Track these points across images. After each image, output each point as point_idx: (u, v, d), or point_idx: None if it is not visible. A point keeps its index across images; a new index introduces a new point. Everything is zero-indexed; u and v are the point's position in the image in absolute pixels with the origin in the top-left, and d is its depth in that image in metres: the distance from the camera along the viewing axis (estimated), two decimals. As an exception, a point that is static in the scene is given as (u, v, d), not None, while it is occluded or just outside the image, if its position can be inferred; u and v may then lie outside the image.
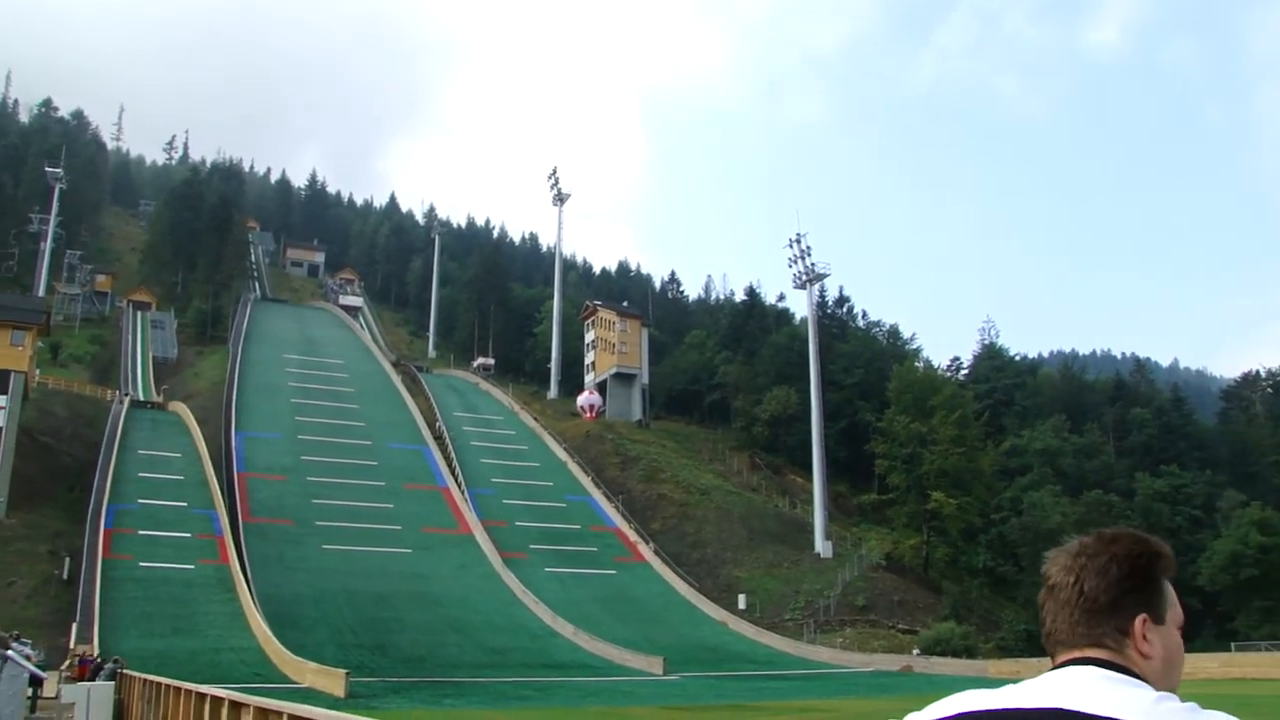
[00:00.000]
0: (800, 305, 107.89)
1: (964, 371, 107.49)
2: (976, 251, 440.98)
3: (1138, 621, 1.87)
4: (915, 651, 55.22)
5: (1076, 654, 1.87)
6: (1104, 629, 1.87)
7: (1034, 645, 58.09)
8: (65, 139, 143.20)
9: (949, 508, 71.89)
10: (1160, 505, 79.97)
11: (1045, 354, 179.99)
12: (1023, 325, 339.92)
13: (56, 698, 28.76)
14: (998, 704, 1.78)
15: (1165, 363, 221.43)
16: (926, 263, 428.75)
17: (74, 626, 46.90)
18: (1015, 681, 1.86)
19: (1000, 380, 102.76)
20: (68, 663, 40.87)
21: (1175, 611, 1.93)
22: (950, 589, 71.10)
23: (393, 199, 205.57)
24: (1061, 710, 1.70)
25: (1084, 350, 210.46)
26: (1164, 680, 1.84)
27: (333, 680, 35.91)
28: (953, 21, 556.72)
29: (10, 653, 20.27)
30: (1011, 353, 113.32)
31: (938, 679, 45.53)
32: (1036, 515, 72.93)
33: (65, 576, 55.28)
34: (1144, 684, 1.78)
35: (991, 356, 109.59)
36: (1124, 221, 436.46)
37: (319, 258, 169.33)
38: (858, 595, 65.78)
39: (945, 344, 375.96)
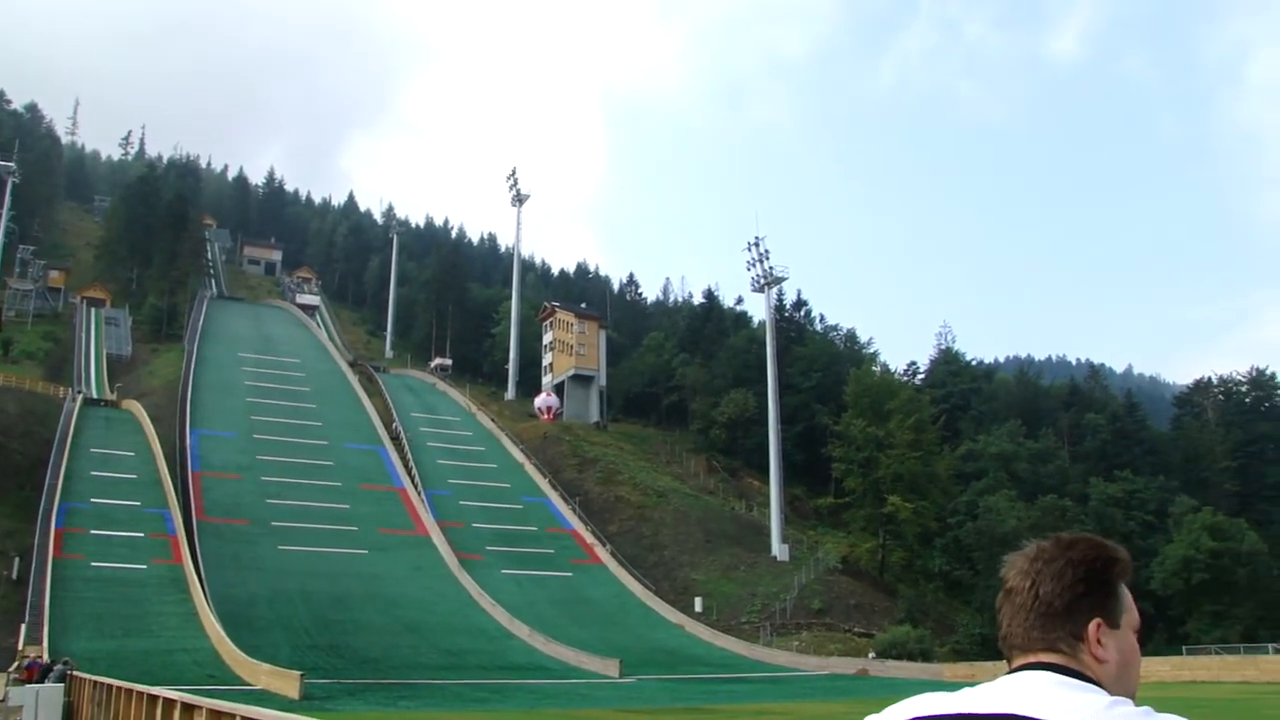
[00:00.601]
0: (759, 308, 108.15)
1: (921, 376, 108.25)
2: (934, 257, 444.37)
3: (1092, 626, 1.85)
4: (871, 655, 55.46)
5: (1031, 658, 1.86)
6: (1059, 633, 1.86)
7: (989, 649, 58.52)
8: (18, 132, 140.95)
9: (905, 512, 72.32)
10: (1114, 510, 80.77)
11: (1001, 359, 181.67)
12: (979, 331, 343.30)
13: (4, 700, 28.28)
14: (952, 708, 1.77)
15: (1120, 369, 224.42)
16: (885, 267, 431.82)
17: (23, 627, 46.23)
18: (971, 685, 1.85)
19: (957, 385, 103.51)
20: (16, 664, 40.20)
21: (1131, 615, 1.93)
22: (906, 593, 71.45)
23: (351, 198, 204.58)
24: (1014, 716, 1.69)
25: (1040, 356, 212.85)
26: (1119, 685, 1.83)
27: (287, 682, 35.57)
28: (914, 28, 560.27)
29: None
30: (968, 358, 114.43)
31: (893, 682, 45.73)
32: (992, 519, 73.43)
33: (15, 576, 54.45)
34: (1098, 689, 1.77)
35: (948, 361, 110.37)
36: (1081, 229, 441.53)
37: (276, 256, 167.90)
38: (814, 598, 65.95)
39: (903, 349, 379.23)
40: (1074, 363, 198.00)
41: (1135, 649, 1.91)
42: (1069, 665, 1.82)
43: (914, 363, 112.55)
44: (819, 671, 52.41)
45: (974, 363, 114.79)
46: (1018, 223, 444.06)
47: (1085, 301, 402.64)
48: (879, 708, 1.89)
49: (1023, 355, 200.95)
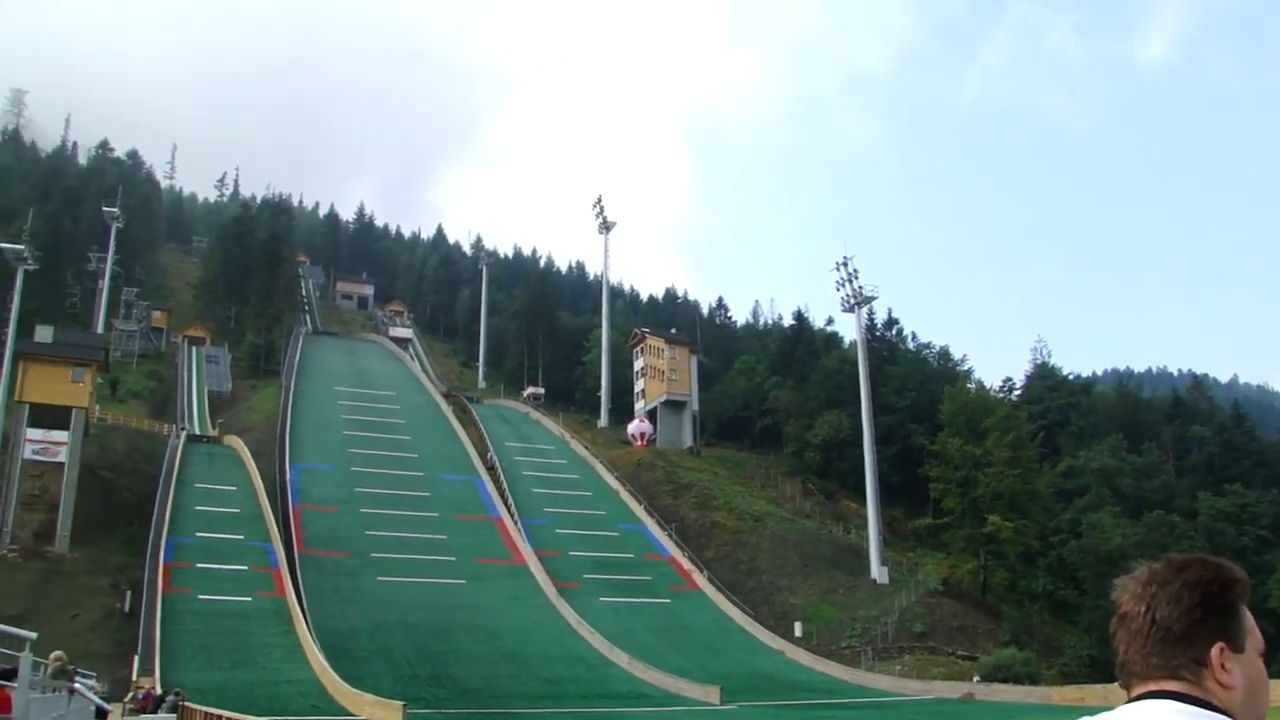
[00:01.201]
0: (849, 328, 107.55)
1: (1017, 392, 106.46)
2: (1026, 270, 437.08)
3: (1215, 651, 1.79)
4: (976, 678, 54.41)
5: (1152, 686, 1.80)
6: (1180, 660, 1.80)
7: (1099, 671, 57.09)
8: (121, 179, 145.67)
9: (1006, 531, 70.97)
10: (1225, 525, 78.41)
11: (1099, 372, 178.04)
12: (1075, 344, 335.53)
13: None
14: None
15: (1224, 379, 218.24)
16: (975, 283, 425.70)
17: (135, 659, 47.37)
18: (1085, 710, 1.83)
19: (1054, 400, 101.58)
20: (130, 695, 41.26)
21: (1255, 638, 1.86)
22: (1010, 614, 70.02)
23: (440, 231, 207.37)
24: None
25: (1139, 368, 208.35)
26: (1247, 712, 1.76)
27: (390, 712, 35.91)
28: (995, 38, 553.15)
29: (77, 684, 20.40)
30: (1065, 372, 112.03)
31: (1000, 706, 44.86)
32: (1096, 537, 71.73)
33: (127, 609, 55.94)
34: (1225, 717, 1.71)
35: (1044, 376, 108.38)
36: (1178, 236, 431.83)
37: (368, 290, 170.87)
38: (915, 621, 64.98)
39: (997, 365, 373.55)
40: (1175, 374, 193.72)
41: (1262, 673, 1.84)
42: (1193, 693, 1.76)
43: (1009, 379, 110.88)
44: (923, 696, 51.56)
45: (1071, 377, 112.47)
46: (1110, 232, 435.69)
47: (1185, 311, 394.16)
48: None
49: (1121, 368, 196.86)
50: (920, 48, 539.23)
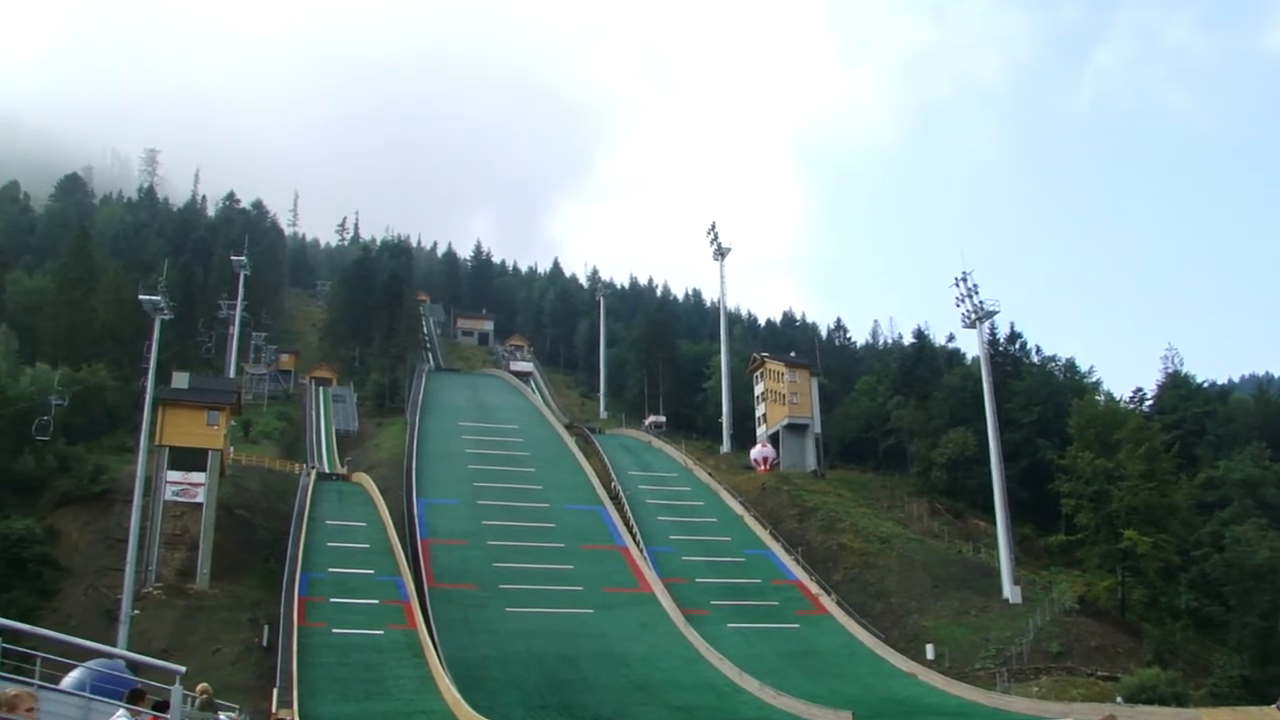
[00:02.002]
0: (971, 345, 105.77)
1: (1148, 402, 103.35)
2: (1152, 277, 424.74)
3: None
4: (1119, 699, 52.79)
5: None
6: None
7: (1252, 692, 55.05)
8: (247, 228, 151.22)
9: (1143, 546, 68.79)
10: (1377, 535, 75.03)
11: (1236, 379, 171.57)
12: (1209, 351, 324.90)
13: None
14: None
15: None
16: (1100, 293, 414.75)
17: (274, 691, 48.67)
18: None
19: (1189, 409, 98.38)
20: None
21: None
22: (1151, 632, 67.86)
23: (556, 264, 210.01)
24: None
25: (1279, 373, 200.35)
26: None
27: (524, 743, 36.32)
28: (1111, 39, 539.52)
29: (222, 716, 21.16)
30: (1199, 380, 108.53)
31: (1144, 727, 43.54)
32: (1242, 550, 69.13)
33: (265, 643, 57.63)
34: None
35: (1177, 385, 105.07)
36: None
37: (488, 326, 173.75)
38: (1051, 641, 63.42)
39: (1126, 375, 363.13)
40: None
41: None
42: None
43: (1140, 389, 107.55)
44: (1062, 718, 50.27)
45: (1206, 385, 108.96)
46: (1239, 234, 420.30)
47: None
48: None
49: (1260, 373, 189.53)
50: (1034, 55, 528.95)
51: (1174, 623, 71.66)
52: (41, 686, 10.25)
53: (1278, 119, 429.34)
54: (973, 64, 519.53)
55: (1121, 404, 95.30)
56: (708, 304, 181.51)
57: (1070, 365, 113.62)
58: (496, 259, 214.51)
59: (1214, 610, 71.10)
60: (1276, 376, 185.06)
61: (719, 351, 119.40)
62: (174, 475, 69.69)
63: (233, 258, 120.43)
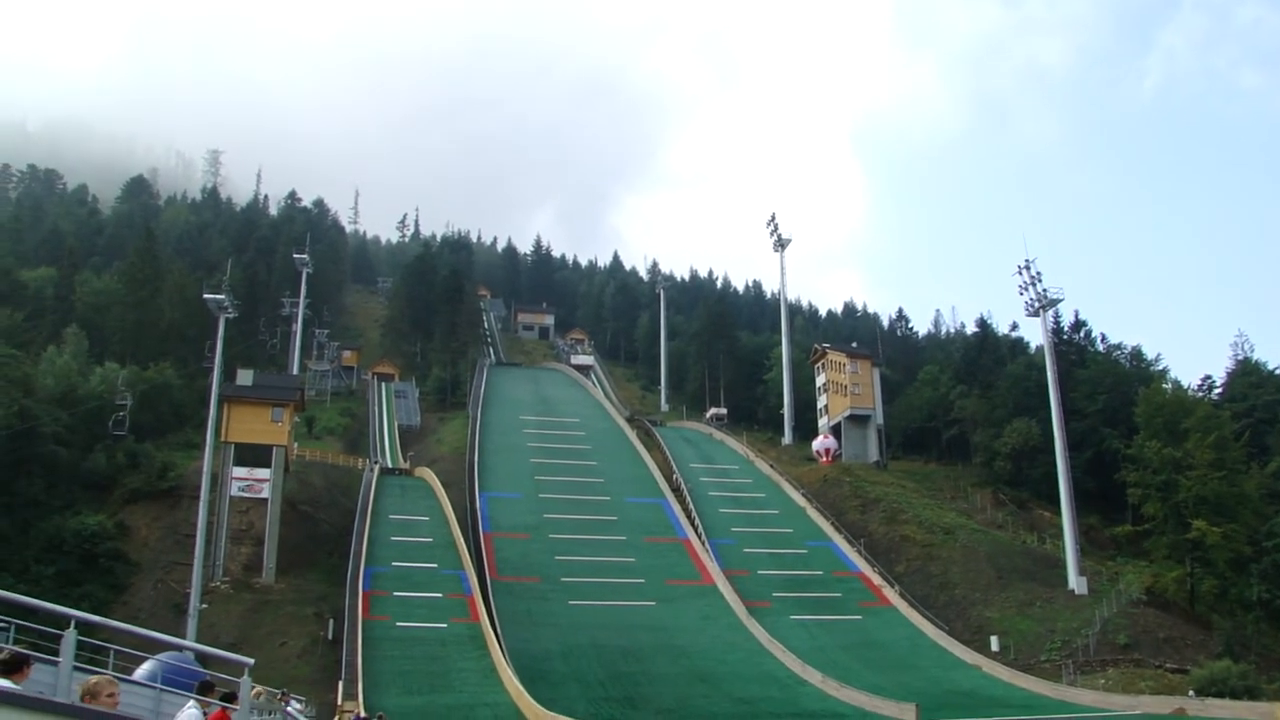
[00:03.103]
0: (1034, 334, 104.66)
1: (1217, 390, 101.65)
2: (1221, 262, 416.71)
3: None
4: (1191, 692, 52.06)
5: None
6: None
7: (1323, 683, 54.05)
8: (309, 226, 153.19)
9: (1213, 536, 67.74)
10: None
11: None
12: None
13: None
14: None
15: None
16: (1167, 279, 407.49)
17: (340, 684, 49.37)
18: None
19: (1260, 397, 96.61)
20: (336, 718, 43.13)
21: None
22: (1221, 624, 66.79)
23: (616, 258, 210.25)
24: None
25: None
26: None
27: (586, 734, 36.56)
28: (1179, 20, 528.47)
29: (290, 708, 21.63)
30: (1270, 367, 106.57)
31: (1214, 720, 42.95)
32: (1316, 541, 67.98)
33: (330, 637, 58.43)
34: None
35: (1247, 372, 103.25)
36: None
37: (549, 320, 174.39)
38: (1119, 633, 62.64)
39: (1194, 363, 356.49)
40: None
41: None
42: None
43: (1209, 377, 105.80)
44: (1130, 712, 49.64)
45: (1277, 372, 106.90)
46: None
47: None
48: None
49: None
50: (1099, 38, 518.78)
51: (1245, 615, 70.41)
52: (116, 677, 10.56)
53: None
54: (1037, 48, 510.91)
55: (1189, 392, 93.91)
56: (768, 295, 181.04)
57: (1136, 353, 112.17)
58: (556, 253, 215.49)
59: (1287, 602, 69.81)
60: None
61: (780, 343, 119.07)
62: (240, 471, 70.79)
63: (295, 256, 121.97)
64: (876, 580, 70.32)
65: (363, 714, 39.56)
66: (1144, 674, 57.92)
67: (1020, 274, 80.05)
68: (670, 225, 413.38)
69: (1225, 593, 70.82)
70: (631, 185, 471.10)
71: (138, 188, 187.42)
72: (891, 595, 68.17)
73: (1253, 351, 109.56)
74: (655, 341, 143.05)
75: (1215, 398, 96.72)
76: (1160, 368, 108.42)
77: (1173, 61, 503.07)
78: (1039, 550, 77.44)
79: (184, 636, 51.10)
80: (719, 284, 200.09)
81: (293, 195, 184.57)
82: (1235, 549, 69.21)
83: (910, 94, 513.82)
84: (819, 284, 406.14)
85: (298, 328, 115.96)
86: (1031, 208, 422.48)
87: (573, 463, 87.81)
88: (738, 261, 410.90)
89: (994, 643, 62.81)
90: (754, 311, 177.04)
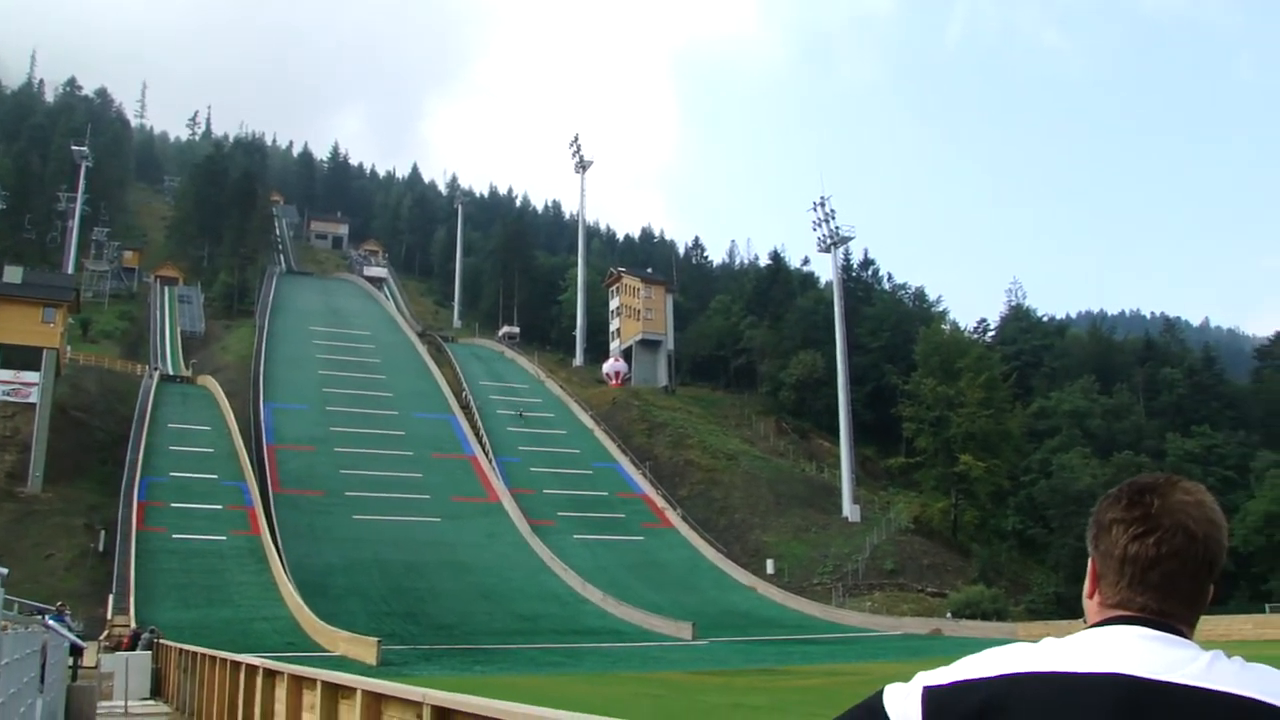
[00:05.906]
0: (826, 269, 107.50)
1: (991, 333, 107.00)
2: (1002, 213, 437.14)
3: None
4: (948, 614, 55.21)
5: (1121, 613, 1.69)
6: None
7: (1064, 608, 58.11)
8: (90, 117, 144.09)
9: (977, 470, 71.72)
10: (1192, 466, 79.04)
11: (1073, 314, 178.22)
12: (1050, 286, 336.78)
13: (96, 667, 29.16)
14: (1045, 665, 1.61)
15: (1196, 322, 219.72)
16: (953, 224, 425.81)
17: (110, 598, 47.55)
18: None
19: (1028, 342, 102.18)
20: (106, 633, 41.48)
21: None
22: (979, 552, 70.94)
23: (415, 170, 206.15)
24: (1121, 676, 1.56)
25: (1112, 310, 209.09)
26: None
27: (365, 648, 36.27)
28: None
29: (50, 622, 20.53)
30: (1039, 314, 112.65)
31: (968, 642, 45.45)
32: (1066, 477, 72.65)
33: (100, 549, 56.00)
34: (1191, 643, 1.63)
35: (1019, 318, 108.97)
36: (1153, 179, 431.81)
37: (343, 230, 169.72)
38: (886, 559, 65.77)
39: (972, 306, 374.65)
40: (1148, 317, 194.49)
41: None
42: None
43: (984, 320, 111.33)
44: (892, 632, 52.31)
45: (1045, 319, 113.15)
46: (1086, 175, 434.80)
47: (1159, 254, 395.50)
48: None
49: (1095, 310, 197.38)
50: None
51: (1000, 543, 75.03)
52: None
53: (1130, 59, 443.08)
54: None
55: (966, 333, 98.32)
56: (567, 216, 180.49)
57: (920, 294, 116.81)
58: (354, 162, 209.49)
59: (1037, 532, 74.69)
60: (1111, 314, 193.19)
61: (576, 264, 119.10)
62: (5, 374, 66.51)
63: (73, 148, 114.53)
64: (660, 502, 71.65)
65: (132, 627, 38.16)
66: (907, 597, 61.12)
67: (815, 210, 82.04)
68: (475, 139, 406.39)
69: (985, 523, 75.30)
70: (437, 97, 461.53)
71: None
72: (674, 518, 69.61)
73: (1025, 299, 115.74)
74: (451, 257, 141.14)
75: (989, 340, 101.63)
76: (941, 309, 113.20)
77: (977, 14, 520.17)
78: (817, 479, 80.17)
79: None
80: (519, 202, 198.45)
81: (72, 82, 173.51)
82: (996, 483, 73.57)
83: (736, 29, 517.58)
84: (621, 208, 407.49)
85: (74, 224, 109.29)
86: (839, 148, 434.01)
87: (362, 375, 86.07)
88: (540, 181, 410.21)
89: (770, 566, 65.04)
90: (552, 231, 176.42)
